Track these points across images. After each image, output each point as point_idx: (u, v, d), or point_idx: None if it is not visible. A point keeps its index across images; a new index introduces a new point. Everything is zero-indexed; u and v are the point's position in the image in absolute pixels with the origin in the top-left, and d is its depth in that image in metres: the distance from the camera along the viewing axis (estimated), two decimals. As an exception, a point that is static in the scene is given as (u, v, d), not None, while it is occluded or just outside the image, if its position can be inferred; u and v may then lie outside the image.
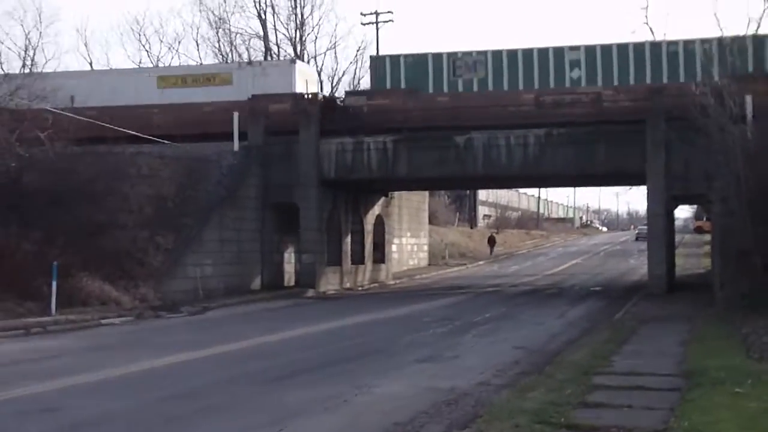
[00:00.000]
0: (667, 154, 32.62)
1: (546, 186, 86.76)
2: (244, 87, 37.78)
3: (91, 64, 63.50)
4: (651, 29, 45.15)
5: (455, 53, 39.31)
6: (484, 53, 39.01)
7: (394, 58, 39.99)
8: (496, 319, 24.82)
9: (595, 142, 34.11)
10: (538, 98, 35.05)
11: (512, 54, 38.58)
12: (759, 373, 13.07)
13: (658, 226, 33.86)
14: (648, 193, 34.07)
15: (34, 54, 59.01)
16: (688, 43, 36.24)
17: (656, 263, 33.49)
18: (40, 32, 59.88)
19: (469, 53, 39.29)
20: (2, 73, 46.29)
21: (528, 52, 38.46)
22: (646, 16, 45.81)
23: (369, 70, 42.82)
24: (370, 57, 44.99)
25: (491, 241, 69.37)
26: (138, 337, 20.41)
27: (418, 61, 39.41)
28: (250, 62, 39.79)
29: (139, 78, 40.73)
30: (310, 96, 36.95)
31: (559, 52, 38.26)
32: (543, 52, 38.35)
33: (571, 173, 36.58)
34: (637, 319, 23.33)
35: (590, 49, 37.99)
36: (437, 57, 39.18)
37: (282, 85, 37.81)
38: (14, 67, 55.14)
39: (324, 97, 39.92)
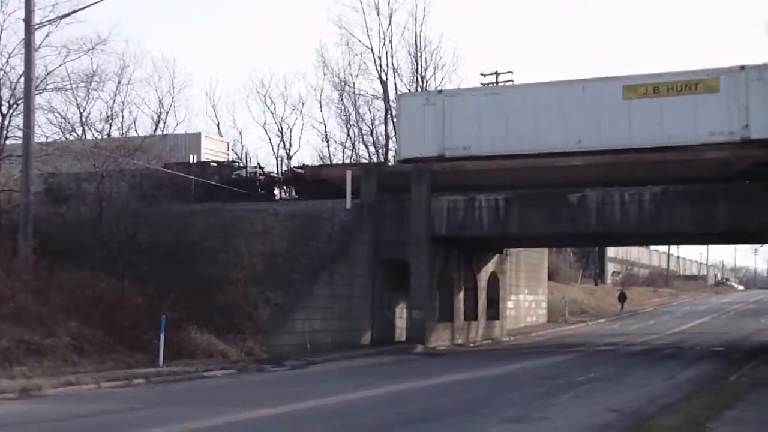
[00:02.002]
0: (790, 212, 31.24)
1: (662, 244, 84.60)
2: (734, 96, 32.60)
3: (218, 125, 65.87)
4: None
5: None
6: None
7: None
8: (600, 379, 24.19)
9: (714, 200, 32.94)
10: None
11: None
12: None
13: (782, 285, 32.42)
14: (772, 251, 32.72)
15: (166, 117, 61.68)
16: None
17: (781, 324, 32.02)
18: (173, 97, 62.46)
19: None
20: (135, 134, 48.92)
21: None
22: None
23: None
24: None
25: (622, 298, 68.47)
26: (227, 392, 20.71)
27: None
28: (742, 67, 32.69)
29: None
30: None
31: None
32: None
33: (689, 231, 35.45)
34: (751, 383, 22.30)
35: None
36: None
37: None
38: (147, 130, 57.64)
39: None
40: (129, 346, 24.16)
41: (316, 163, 49.61)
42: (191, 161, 39.19)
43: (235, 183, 38.82)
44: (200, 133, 45.06)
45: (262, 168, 42.44)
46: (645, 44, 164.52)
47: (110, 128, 56.00)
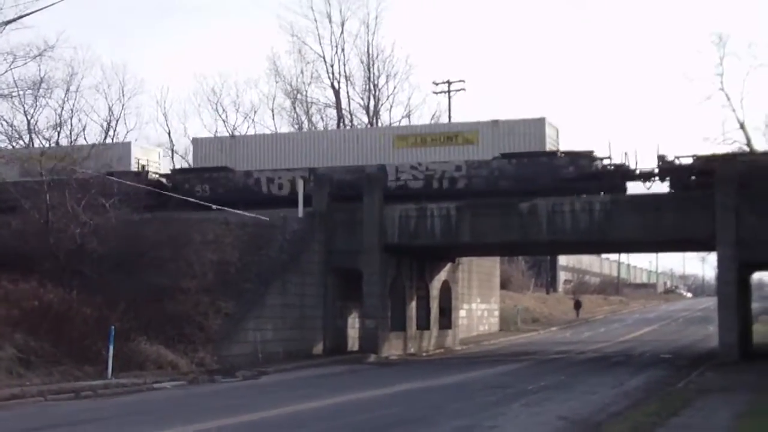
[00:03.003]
0: (737, 221, 31.84)
1: (612, 252, 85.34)
2: None
3: (169, 133, 65.31)
4: (727, 95, 44.16)
5: None
6: None
7: None
8: (551, 387, 24.36)
9: (662, 209, 33.52)
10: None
11: None
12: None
13: (729, 293, 33.01)
14: (718, 259, 33.36)
15: (116, 125, 61.10)
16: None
17: (727, 331, 32.60)
18: (123, 104, 62.00)
19: None
20: (85, 143, 48.25)
21: None
22: (722, 82, 44.84)
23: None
24: None
25: (577, 305, 69.81)
26: (176, 404, 20.55)
27: None
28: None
29: None
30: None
31: None
32: None
33: (638, 239, 35.95)
34: (698, 390, 22.67)
35: None
36: None
37: None
38: (97, 138, 57.05)
39: None
40: (77, 358, 23.81)
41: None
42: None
43: (590, 176, 35.75)
44: (544, 118, 38.96)
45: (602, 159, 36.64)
46: (598, 52, 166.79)
47: (59, 136, 55.43)
